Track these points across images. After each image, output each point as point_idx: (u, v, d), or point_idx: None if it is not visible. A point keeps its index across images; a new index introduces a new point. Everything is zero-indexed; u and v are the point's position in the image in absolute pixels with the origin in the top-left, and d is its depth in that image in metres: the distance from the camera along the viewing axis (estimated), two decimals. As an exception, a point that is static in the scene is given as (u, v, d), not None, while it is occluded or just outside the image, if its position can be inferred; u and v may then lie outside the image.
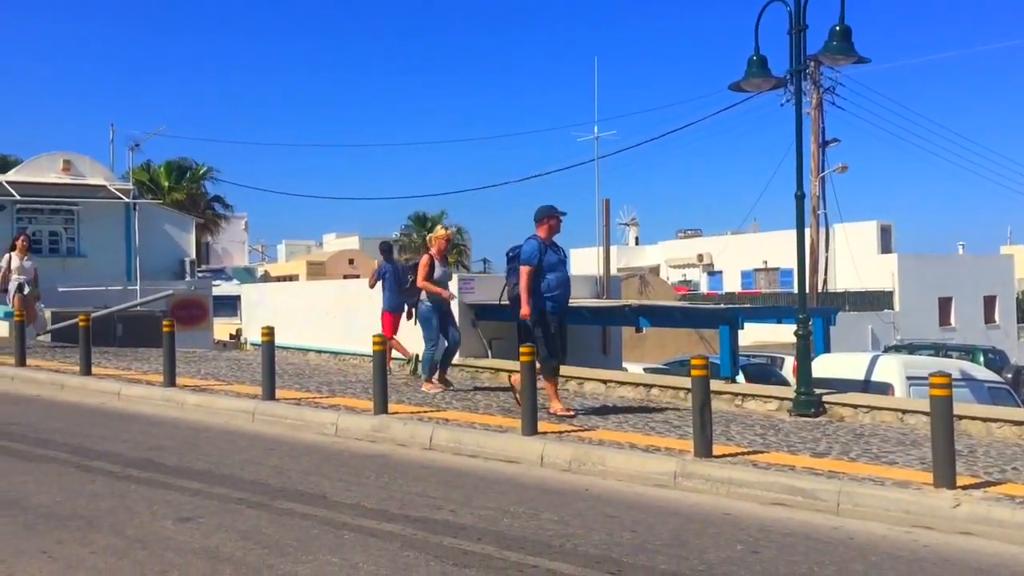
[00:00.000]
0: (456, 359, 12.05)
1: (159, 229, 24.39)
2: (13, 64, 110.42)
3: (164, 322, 11.39)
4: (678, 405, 10.21)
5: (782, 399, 9.95)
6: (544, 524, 5.71)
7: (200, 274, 29.19)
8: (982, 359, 24.59)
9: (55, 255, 21.84)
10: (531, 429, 8.00)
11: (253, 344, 16.09)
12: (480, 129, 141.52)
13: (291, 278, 43.03)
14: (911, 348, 26.80)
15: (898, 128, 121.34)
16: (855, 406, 9.52)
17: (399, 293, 12.81)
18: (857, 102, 34.92)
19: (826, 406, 9.60)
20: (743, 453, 7.38)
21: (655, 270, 49.01)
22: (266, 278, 43.94)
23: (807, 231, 15.57)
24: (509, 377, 10.42)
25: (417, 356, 12.00)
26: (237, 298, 22.15)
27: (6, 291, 14.78)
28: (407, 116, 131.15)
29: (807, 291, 13.39)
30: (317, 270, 47.03)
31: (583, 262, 35.70)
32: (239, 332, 19.37)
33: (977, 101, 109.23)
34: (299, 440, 8.56)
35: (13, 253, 14.95)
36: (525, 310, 8.99)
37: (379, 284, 13.03)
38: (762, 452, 7.46)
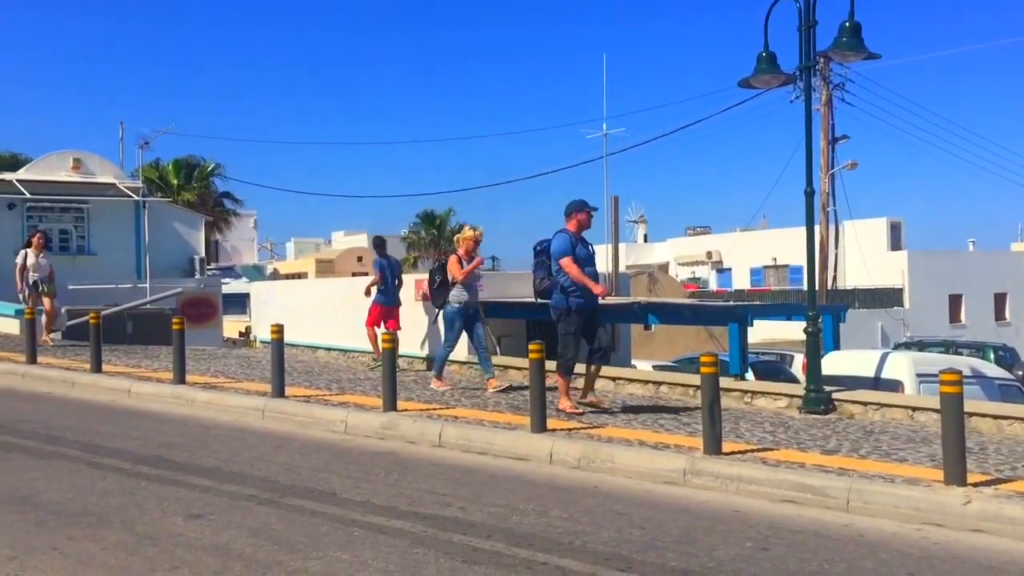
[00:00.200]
0: (463, 357, 12.04)
1: (168, 227, 24.43)
2: (23, 62, 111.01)
3: (174, 320, 11.45)
4: (687, 402, 10.20)
5: (792, 396, 9.94)
6: (553, 521, 5.71)
7: (209, 272, 29.24)
8: (992, 356, 24.57)
9: (65, 253, 21.87)
10: (540, 426, 8.00)
11: (262, 342, 16.13)
12: (488, 126, 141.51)
13: (300, 276, 43.11)
14: (921, 345, 26.78)
15: (908, 124, 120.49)
16: (865, 403, 9.50)
17: (394, 288, 12.84)
18: (867, 98, 34.94)
19: (836, 403, 9.58)
20: (753, 450, 7.37)
21: (664, 267, 49.02)
22: (275, 276, 44.07)
23: (817, 228, 15.49)
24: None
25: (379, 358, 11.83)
26: (246, 296, 22.20)
27: (27, 287, 14.84)
28: (415, 113, 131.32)
29: (817, 288, 13.34)
30: (326, 267, 47.14)
31: (592, 259, 35.61)
32: (248, 330, 19.41)
33: (988, 97, 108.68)
34: (308, 437, 8.58)
35: (29, 250, 15.03)
36: (599, 288, 9.02)
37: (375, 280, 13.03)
38: (772, 449, 7.45)
